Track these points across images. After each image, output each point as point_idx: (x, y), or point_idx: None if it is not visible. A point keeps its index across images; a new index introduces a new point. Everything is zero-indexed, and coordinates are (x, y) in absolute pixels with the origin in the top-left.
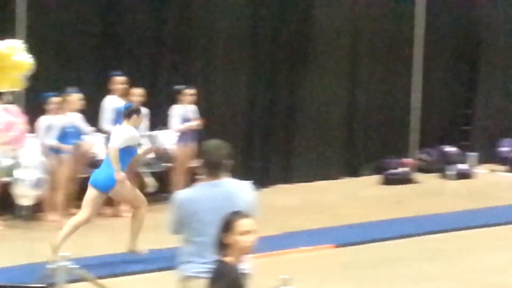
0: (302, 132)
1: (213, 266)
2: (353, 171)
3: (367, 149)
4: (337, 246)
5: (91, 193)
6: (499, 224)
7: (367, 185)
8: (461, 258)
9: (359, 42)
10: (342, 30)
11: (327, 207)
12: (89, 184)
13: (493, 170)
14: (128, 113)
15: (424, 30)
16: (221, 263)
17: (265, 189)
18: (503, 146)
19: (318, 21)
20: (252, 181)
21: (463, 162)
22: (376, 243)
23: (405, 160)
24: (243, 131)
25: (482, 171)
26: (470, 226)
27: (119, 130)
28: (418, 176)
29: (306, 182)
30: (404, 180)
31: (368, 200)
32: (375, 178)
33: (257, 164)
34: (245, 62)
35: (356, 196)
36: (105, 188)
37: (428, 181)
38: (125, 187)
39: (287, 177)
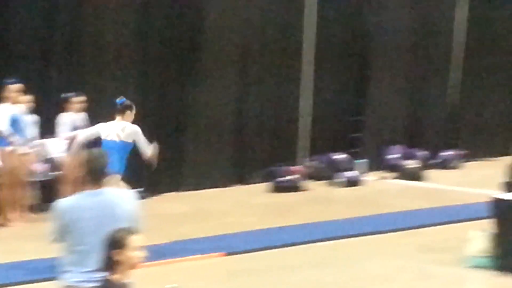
0: (192, 140)
1: (101, 285)
2: (243, 179)
3: (256, 156)
4: (227, 254)
5: None
6: (388, 231)
7: (256, 193)
8: (350, 266)
9: (249, 50)
10: (232, 38)
11: (217, 215)
12: None
13: (382, 177)
14: (122, 109)
15: (314, 38)
16: (108, 282)
17: (154, 197)
18: (392, 153)
19: (208, 27)
20: (141, 189)
21: (352, 170)
22: (266, 251)
23: (294, 167)
24: None
25: (371, 178)
26: (359, 233)
27: (128, 127)
28: (308, 183)
29: (195, 190)
30: (294, 187)
31: (258, 207)
32: (265, 185)
33: (146, 172)
34: (135, 69)
35: (246, 204)
36: None
37: (317, 188)
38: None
39: (177, 185)
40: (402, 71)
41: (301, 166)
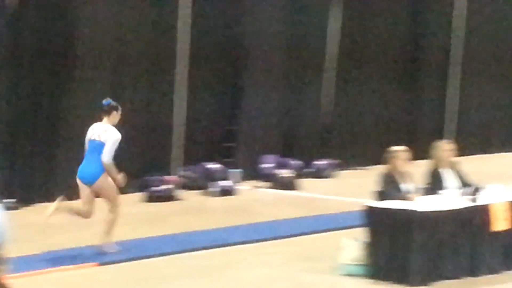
0: (64, 149)
1: None
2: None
3: (130, 166)
4: (100, 264)
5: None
6: (261, 240)
7: (130, 203)
8: (223, 275)
9: (122, 58)
10: (105, 47)
11: (90, 225)
12: (78, 180)
13: (255, 187)
14: (109, 109)
15: (188, 47)
16: None
17: (27, 208)
18: (266, 163)
19: (81, 37)
20: (13, 200)
21: (226, 179)
22: (139, 261)
23: (168, 177)
24: (5, 148)
25: (245, 187)
26: (233, 242)
27: (109, 130)
28: (181, 193)
29: (69, 200)
30: (167, 197)
31: (131, 217)
32: (138, 195)
33: (19, 182)
34: (7, 80)
35: (120, 214)
36: (91, 181)
37: (191, 198)
38: (109, 183)
39: (49, 195)
40: (276, 80)
41: (175, 175)
